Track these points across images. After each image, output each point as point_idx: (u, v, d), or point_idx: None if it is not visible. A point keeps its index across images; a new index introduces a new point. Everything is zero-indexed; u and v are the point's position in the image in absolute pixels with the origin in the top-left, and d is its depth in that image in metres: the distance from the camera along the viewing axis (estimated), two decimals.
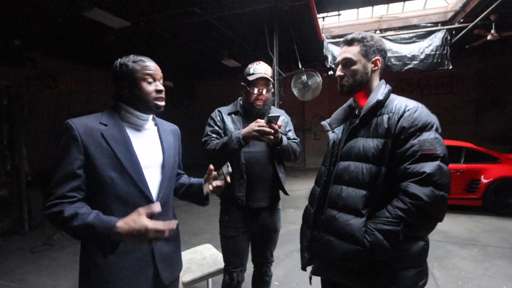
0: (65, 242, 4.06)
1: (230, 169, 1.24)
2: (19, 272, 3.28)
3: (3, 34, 5.82)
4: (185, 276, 2.10)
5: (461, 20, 5.49)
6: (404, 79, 8.87)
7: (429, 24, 5.86)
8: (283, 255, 3.51)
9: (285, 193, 1.97)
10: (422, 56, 5.56)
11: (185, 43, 6.89)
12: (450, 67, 5.49)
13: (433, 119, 1.11)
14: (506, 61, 8.31)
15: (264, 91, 1.80)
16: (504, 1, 4.27)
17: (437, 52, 5.51)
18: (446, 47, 5.51)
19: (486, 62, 8.51)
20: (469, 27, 5.26)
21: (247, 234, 1.88)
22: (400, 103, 1.16)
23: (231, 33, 6.19)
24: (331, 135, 1.42)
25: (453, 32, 5.58)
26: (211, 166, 1.28)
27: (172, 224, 0.99)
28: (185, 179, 1.48)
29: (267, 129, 1.57)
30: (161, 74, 1.22)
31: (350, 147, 1.22)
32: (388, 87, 1.26)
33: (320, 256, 1.25)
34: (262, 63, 1.85)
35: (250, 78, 1.77)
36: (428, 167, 1.02)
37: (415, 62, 5.60)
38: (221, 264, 2.22)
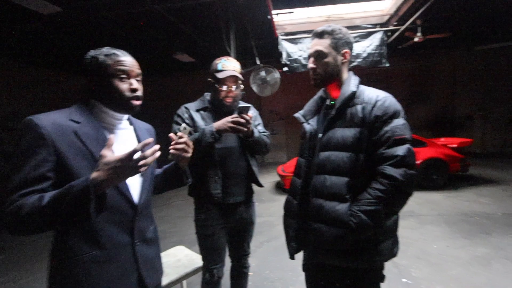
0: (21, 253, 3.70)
1: (185, 126, 1.23)
2: None
3: None
4: (162, 280, 1.99)
5: (395, 23, 6.19)
6: None
7: (369, 26, 6.50)
8: (255, 246, 3.67)
9: (260, 185, 1.95)
10: (364, 55, 6.12)
11: (130, 35, 6.23)
12: (387, 65, 6.14)
13: (400, 106, 1.22)
14: (430, 60, 9.79)
15: (234, 88, 1.76)
16: (428, 8, 4.98)
17: (377, 51, 6.11)
18: (383, 47, 6.13)
19: (414, 61, 9.82)
20: (401, 29, 5.99)
21: (225, 230, 1.87)
22: (371, 94, 1.24)
23: (184, 26, 5.85)
24: (307, 127, 1.41)
25: (389, 33, 6.25)
26: (171, 134, 1.25)
27: (149, 141, 0.89)
28: (157, 171, 1.39)
29: (241, 120, 1.58)
30: (139, 71, 1.11)
31: (329, 137, 1.27)
32: (358, 78, 1.33)
33: (311, 243, 1.30)
34: (230, 59, 1.80)
35: (219, 75, 1.72)
36: (401, 150, 1.12)
37: (359, 60, 6.13)
38: (197, 263, 2.20)
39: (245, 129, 1.61)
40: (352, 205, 1.16)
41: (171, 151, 1.22)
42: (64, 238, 0.98)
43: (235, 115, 1.60)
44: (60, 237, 0.99)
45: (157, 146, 0.91)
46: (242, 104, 1.67)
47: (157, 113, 10.42)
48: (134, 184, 1.12)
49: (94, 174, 0.85)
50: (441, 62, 9.83)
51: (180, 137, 1.22)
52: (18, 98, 7.37)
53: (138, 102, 1.10)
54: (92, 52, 1.07)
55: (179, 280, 2.10)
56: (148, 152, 0.88)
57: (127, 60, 1.08)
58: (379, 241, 1.21)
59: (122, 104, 1.07)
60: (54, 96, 8.26)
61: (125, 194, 1.07)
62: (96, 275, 0.99)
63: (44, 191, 0.90)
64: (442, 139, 6.79)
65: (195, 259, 2.28)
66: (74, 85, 8.92)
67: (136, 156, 0.86)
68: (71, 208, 0.83)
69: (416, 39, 6.10)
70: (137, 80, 1.10)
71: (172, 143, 1.22)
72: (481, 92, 9.80)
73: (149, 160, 0.88)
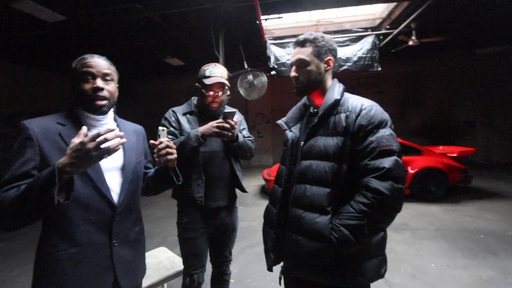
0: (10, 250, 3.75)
1: (163, 128, 1.26)
2: None
3: None
4: (142, 282, 1.98)
5: (387, 27, 6.06)
6: (339, 79, 9.60)
7: (360, 29, 6.35)
8: (236, 252, 3.53)
9: (243, 190, 1.96)
10: (355, 59, 5.96)
11: (125, 40, 6.47)
12: (379, 69, 5.97)
13: (387, 116, 1.16)
14: (424, 64, 9.51)
15: (220, 94, 1.79)
16: (423, 11, 4.79)
17: (368, 55, 5.95)
18: (375, 51, 5.98)
19: (408, 65, 9.57)
20: (394, 33, 5.82)
21: (206, 234, 1.86)
22: (356, 102, 1.19)
23: (175, 32, 5.97)
24: (289, 134, 1.40)
25: (381, 37, 6.11)
26: (151, 142, 1.27)
27: (112, 127, 0.95)
28: (150, 171, 1.42)
29: (226, 124, 1.61)
30: (106, 71, 1.14)
31: (310, 146, 1.22)
32: (342, 86, 1.29)
33: (288, 255, 1.25)
34: (218, 65, 1.83)
35: (206, 81, 1.75)
36: (387, 162, 1.07)
37: (349, 64, 5.98)
38: (178, 266, 2.19)
39: (230, 133, 1.64)
40: (334, 218, 1.11)
41: (156, 159, 1.24)
42: (45, 235, 1.07)
43: (220, 120, 1.64)
44: (43, 233, 1.07)
45: (120, 133, 0.93)
46: (228, 109, 1.73)
47: (149, 113, 10.60)
48: (114, 185, 1.15)
49: (61, 159, 0.90)
50: (437, 65, 9.52)
51: (160, 142, 1.22)
52: (22, 98, 8.24)
53: (101, 102, 1.13)
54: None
55: (160, 283, 2.11)
56: (109, 135, 0.90)
57: (93, 61, 1.12)
58: (364, 259, 1.14)
59: (87, 104, 1.12)
60: (56, 97, 9.09)
61: (104, 194, 1.10)
62: (71, 273, 1.04)
63: None
64: (441, 147, 6.46)
65: (176, 262, 2.28)
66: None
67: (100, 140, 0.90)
68: (39, 192, 0.88)
69: (410, 43, 5.92)
70: (105, 80, 1.14)
71: (155, 150, 1.23)
72: (484, 97, 9.23)
73: (111, 143, 0.91)
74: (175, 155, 1.25)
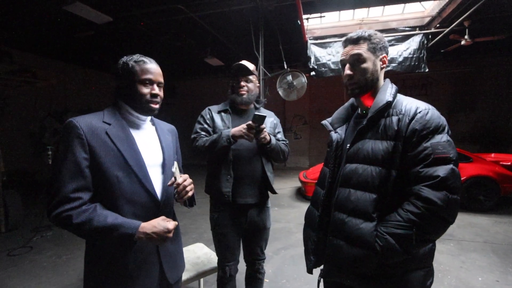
0: (45, 245, 3.95)
1: (173, 169, 1.21)
2: None
3: None
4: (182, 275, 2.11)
5: (437, 25, 5.73)
6: None
7: (407, 28, 6.07)
8: (271, 252, 3.57)
9: (272, 191, 1.99)
10: (400, 59, 5.72)
11: (167, 40, 6.74)
12: (426, 70, 5.67)
13: (444, 121, 1.08)
14: (477, 65, 8.86)
15: (246, 81, 1.90)
16: (478, 8, 4.48)
17: (415, 56, 5.68)
18: (423, 51, 5.70)
19: (458, 66, 8.97)
20: (444, 32, 5.48)
21: (237, 230, 1.92)
22: (410, 104, 1.11)
23: (215, 32, 6.11)
24: (334, 136, 1.33)
25: (429, 36, 5.79)
26: (168, 184, 1.28)
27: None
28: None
29: (253, 124, 1.68)
30: (161, 80, 1.21)
31: (357, 149, 1.16)
32: (395, 87, 1.20)
33: (329, 260, 1.20)
34: (244, 61, 1.95)
35: (234, 71, 1.91)
36: (442, 170, 0.99)
37: (394, 65, 5.74)
38: (215, 262, 2.26)
39: (252, 135, 1.71)
40: (379, 226, 1.06)
41: (177, 200, 1.27)
42: None
43: (250, 122, 1.69)
44: None
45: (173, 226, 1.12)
46: (263, 111, 1.77)
47: (186, 113, 10.95)
48: (156, 181, 1.20)
49: (144, 225, 1.05)
50: (492, 67, 8.80)
51: (178, 185, 1.20)
52: (71, 96, 8.87)
53: (156, 106, 1.21)
54: (124, 58, 1.18)
55: (197, 277, 2.19)
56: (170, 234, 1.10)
57: (153, 68, 1.19)
58: (409, 270, 1.09)
59: (142, 106, 1.17)
60: (101, 94, 9.65)
61: (149, 190, 1.15)
62: (120, 263, 1.10)
63: (84, 187, 1.04)
64: (492, 155, 6.00)
65: (213, 258, 2.36)
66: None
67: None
68: (116, 239, 1.03)
69: (462, 43, 5.55)
70: (159, 87, 1.21)
71: (174, 192, 1.24)
72: None
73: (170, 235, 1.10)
74: (191, 192, 1.24)
